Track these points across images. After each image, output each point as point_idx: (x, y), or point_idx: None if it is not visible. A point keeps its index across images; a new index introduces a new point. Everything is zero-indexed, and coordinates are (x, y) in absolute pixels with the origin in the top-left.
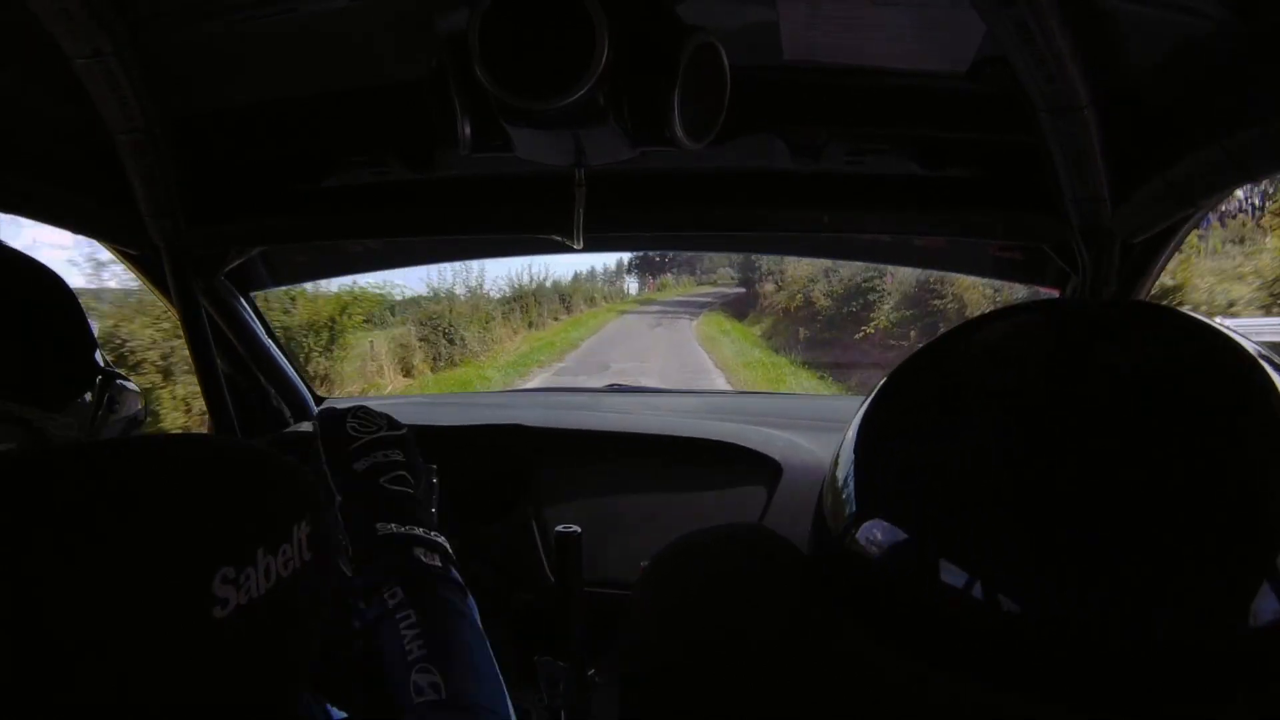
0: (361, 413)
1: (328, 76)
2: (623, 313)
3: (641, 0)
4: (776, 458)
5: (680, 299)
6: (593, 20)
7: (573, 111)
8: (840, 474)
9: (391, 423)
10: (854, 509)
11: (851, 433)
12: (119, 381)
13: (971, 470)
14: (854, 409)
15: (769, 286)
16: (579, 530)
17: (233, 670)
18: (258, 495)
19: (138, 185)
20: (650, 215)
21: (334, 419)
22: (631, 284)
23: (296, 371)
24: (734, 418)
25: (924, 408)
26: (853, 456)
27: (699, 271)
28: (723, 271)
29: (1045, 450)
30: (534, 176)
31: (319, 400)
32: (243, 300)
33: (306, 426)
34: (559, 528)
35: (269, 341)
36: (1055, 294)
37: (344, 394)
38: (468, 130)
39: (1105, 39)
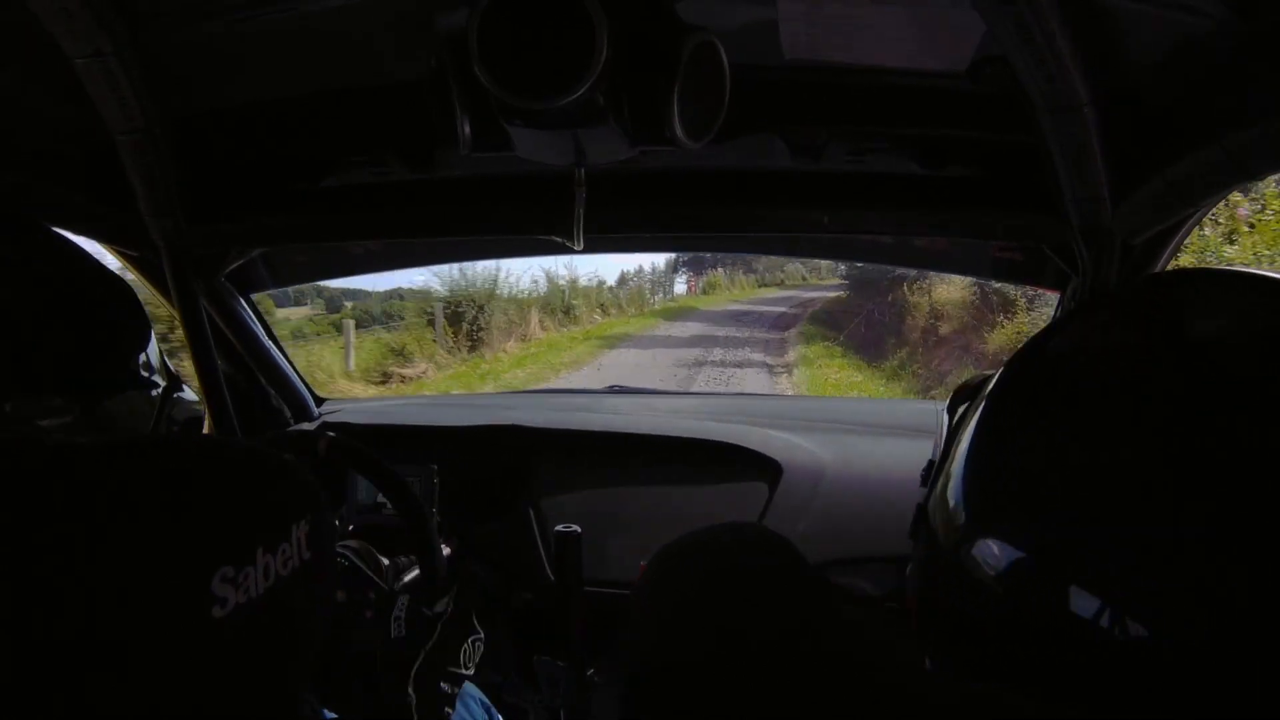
0: None
1: (328, 76)
2: (621, 341)
3: (641, 0)
4: (776, 458)
5: (736, 309)
6: (592, 20)
7: (572, 111)
8: (955, 487)
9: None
10: (968, 522)
11: (965, 445)
12: (178, 395)
13: (1110, 480)
14: (852, 410)
15: (946, 293)
16: (579, 530)
17: (232, 670)
18: (257, 494)
19: (138, 185)
20: (650, 215)
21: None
22: (680, 285)
23: (296, 372)
24: (734, 419)
25: (1050, 417)
26: (969, 468)
27: (761, 269)
28: (792, 269)
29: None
30: (534, 176)
31: (319, 401)
32: (243, 301)
33: (307, 426)
34: (559, 527)
35: (269, 342)
36: (1056, 294)
37: None
38: (467, 130)
39: (1105, 39)
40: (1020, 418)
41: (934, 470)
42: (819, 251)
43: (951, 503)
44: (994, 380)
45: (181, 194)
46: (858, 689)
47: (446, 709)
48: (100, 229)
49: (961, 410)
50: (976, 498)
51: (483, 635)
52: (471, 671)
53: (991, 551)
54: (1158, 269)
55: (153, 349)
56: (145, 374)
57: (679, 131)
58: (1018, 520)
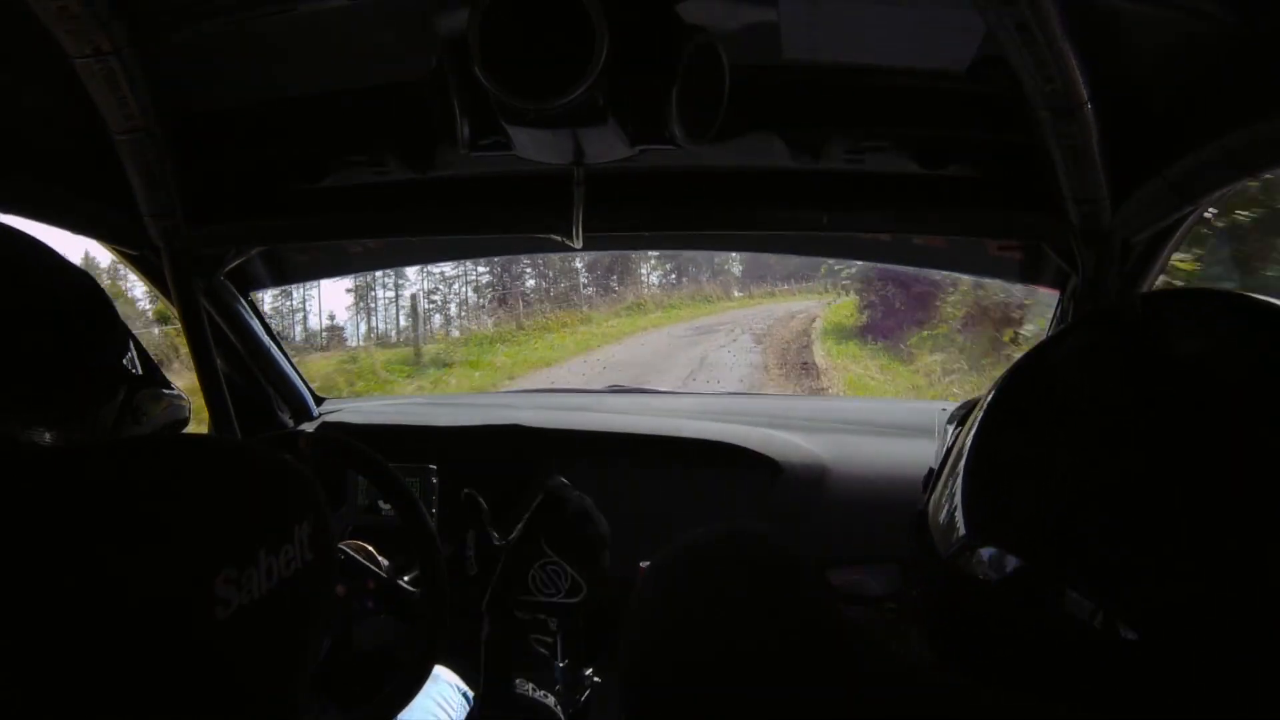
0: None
1: (328, 76)
2: None
3: (641, 0)
4: (776, 458)
5: None
6: (592, 20)
7: (572, 111)
8: (953, 496)
9: (573, 588)
10: (967, 533)
11: (967, 450)
12: (149, 389)
13: (1106, 496)
14: (852, 410)
15: None
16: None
17: (235, 670)
18: (260, 496)
19: (138, 185)
20: (650, 214)
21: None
22: None
23: (296, 371)
24: (733, 418)
25: (1042, 432)
26: (966, 477)
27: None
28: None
29: (1172, 472)
30: (533, 176)
31: (319, 401)
32: (243, 300)
33: (306, 427)
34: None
35: (269, 342)
36: (1056, 294)
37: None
38: (467, 130)
39: (1105, 39)
40: (1015, 428)
41: (933, 478)
42: (819, 251)
43: (949, 510)
44: (990, 394)
45: (181, 194)
46: (855, 697)
47: (534, 636)
48: (100, 229)
49: (959, 419)
50: (974, 506)
51: (555, 559)
52: (554, 598)
53: (989, 558)
54: (1157, 268)
55: (120, 338)
56: (113, 365)
57: (678, 131)
58: (1014, 527)
